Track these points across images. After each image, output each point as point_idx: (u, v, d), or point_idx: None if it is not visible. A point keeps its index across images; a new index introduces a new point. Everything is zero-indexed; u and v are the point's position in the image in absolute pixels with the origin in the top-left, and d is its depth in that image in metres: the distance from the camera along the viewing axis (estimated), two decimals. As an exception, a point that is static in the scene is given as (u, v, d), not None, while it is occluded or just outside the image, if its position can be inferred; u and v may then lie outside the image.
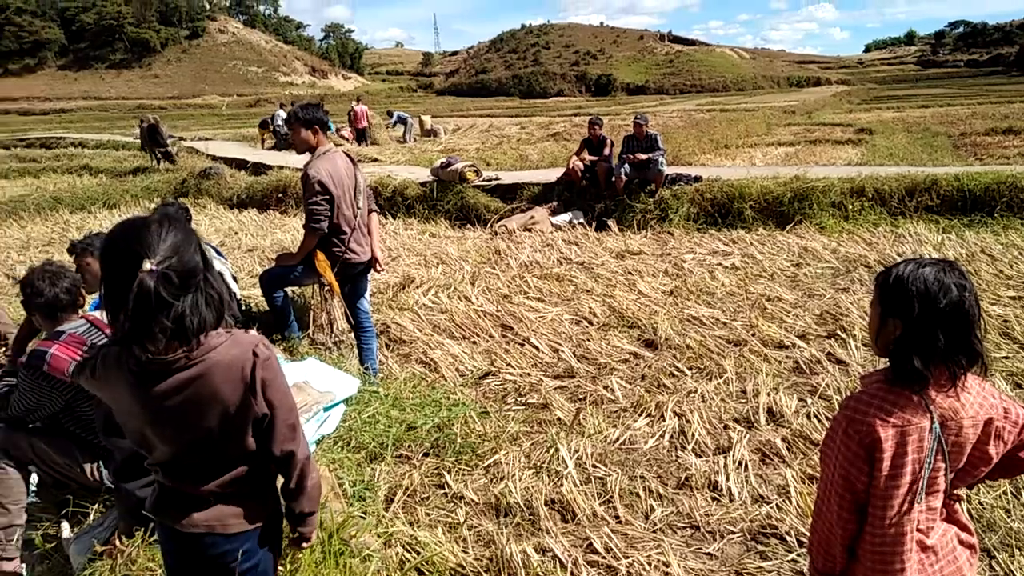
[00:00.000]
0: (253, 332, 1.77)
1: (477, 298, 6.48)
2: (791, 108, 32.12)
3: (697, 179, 9.76)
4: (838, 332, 5.25)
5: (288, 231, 9.81)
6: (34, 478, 3.00)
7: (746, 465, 3.58)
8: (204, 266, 1.54)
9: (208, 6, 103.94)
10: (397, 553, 2.82)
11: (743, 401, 4.34)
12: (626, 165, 9.69)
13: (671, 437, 3.94)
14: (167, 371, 1.53)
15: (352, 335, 4.86)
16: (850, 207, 8.57)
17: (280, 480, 1.77)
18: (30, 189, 13.96)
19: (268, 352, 1.64)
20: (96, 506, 2.92)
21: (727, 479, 3.46)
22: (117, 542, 2.45)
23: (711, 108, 35.81)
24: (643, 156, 9.57)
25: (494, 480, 3.49)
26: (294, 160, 15.62)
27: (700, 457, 3.73)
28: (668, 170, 9.90)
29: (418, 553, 2.84)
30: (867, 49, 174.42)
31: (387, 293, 6.69)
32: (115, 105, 69.02)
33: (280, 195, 12.04)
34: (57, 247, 9.32)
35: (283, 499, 1.80)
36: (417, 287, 6.87)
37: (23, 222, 11.08)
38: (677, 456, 3.76)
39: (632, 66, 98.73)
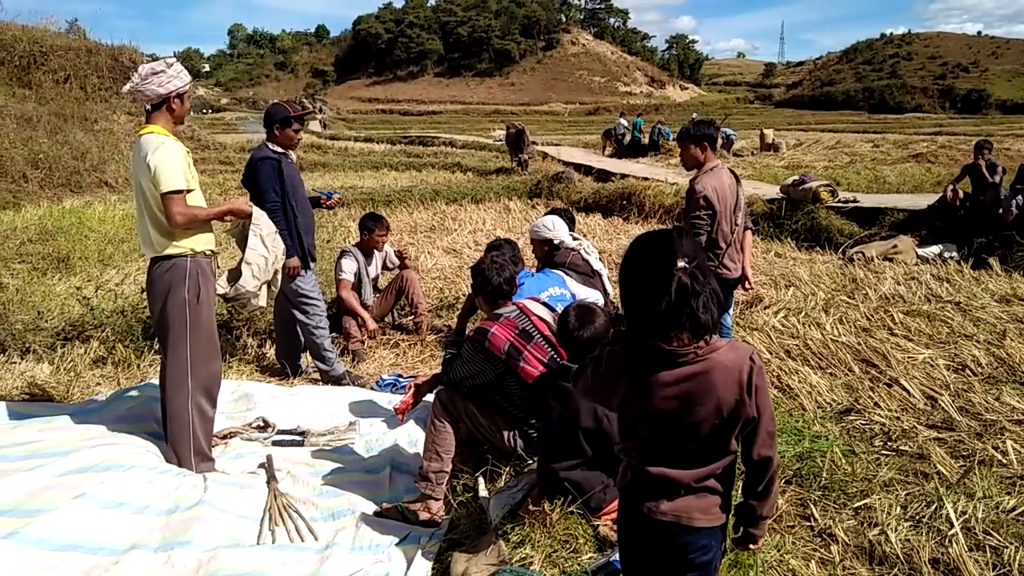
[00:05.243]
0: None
1: (833, 327, 6.14)
2: None
3: (1119, 219, 8.14)
4: None
5: (632, 239, 10.15)
6: None
7: None
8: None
9: (564, 19, 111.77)
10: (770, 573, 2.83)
11: None
12: (1019, 196, 8.43)
13: (1086, 520, 3.38)
14: (674, 362, 1.73)
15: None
16: None
17: (742, 482, 1.90)
18: (415, 181, 16.37)
19: (761, 362, 1.78)
20: (507, 469, 3.37)
21: None
22: (546, 506, 2.80)
23: (1125, 131, 29.43)
24: (1045, 188, 8.25)
25: (865, 524, 3.32)
26: (636, 168, 16.20)
27: None
28: (1077, 205, 8.41)
29: (793, 581, 2.83)
30: None
31: (734, 310, 6.62)
32: (475, 109, 77.89)
33: (624, 202, 12.49)
34: (437, 232, 10.78)
35: (746, 499, 1.91)
36: (765, 308, 6.71)
37: (410, 209, 12.99)
38: (1096, 543, 3.21)
39: (1014, 81, 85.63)
